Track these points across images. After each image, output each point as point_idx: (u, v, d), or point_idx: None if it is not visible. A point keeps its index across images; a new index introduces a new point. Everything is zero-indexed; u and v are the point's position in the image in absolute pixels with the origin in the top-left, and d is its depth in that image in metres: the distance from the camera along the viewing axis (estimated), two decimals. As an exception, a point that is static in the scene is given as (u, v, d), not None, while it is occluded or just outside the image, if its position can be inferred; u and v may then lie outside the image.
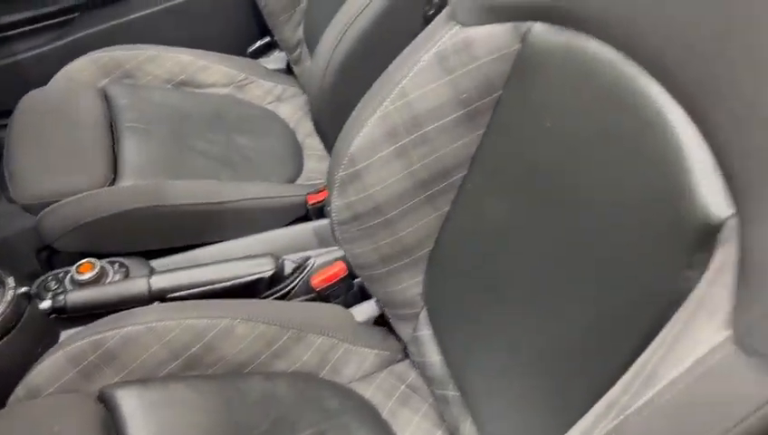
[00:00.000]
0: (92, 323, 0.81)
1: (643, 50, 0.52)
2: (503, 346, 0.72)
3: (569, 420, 0.55)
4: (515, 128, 0.67)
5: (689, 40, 0.47)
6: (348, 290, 0.92)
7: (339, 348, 0.88)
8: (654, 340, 0.46)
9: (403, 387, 0.88)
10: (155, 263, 1.01)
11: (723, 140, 0.45)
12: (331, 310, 0.92)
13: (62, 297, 0.86)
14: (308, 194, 1.06)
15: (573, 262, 0.60)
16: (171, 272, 0.90)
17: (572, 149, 0.59)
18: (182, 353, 0.82)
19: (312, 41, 1.25)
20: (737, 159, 0.43)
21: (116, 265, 0.95)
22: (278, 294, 0.92)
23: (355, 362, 0.89)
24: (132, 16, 1.38)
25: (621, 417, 0.47)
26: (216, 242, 1.04)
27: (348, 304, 0.93)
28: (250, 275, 0.90)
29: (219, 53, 1.37)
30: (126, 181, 1.07)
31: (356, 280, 0.93)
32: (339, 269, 0.91)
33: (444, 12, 0.71)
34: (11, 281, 0.84)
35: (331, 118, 0.92)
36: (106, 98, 1.24)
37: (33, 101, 1.23)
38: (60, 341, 0.86)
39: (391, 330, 0.90)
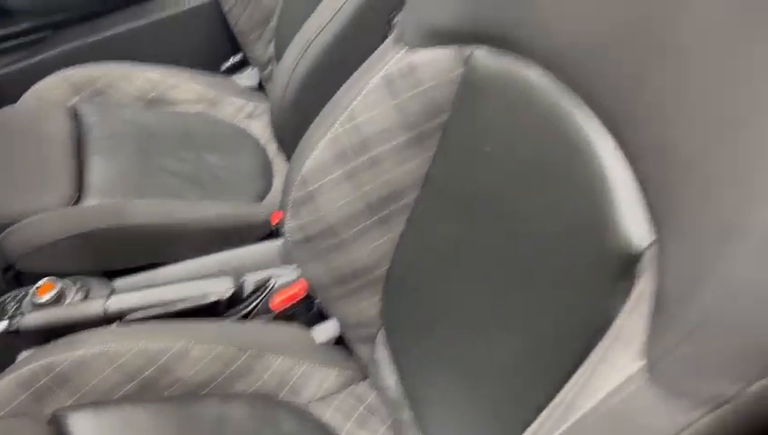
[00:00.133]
0: (46, 346, 0.81)
1: (576, 78, 0.52)
2: (452, 369, 0.71)
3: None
4: (460, 151, 0.67)
5: (616, 69, 0.47)
6: (309, 310, 0.92)
7: (298, 369, 0.88)
8: (578, 369, 0.46)
9: (362, 408, 0.87)
10: (118, 282, 1.00)
11: (645, 170, 0.45)
12: (292, 330, 0.91)
13: (16, 319, 0.85)
14: (272, 213, 1.06)
15: (512, 285, 0.60)
16: (129, 293, 0.90)
17: (510, 175, 0.59)
18: (136, 376, 0.82)
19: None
20: (657, 189, 0.43)
21: (77, 285, 0.94)
22: (238, 315, 0.92)
23: (315, 383, 0.88)
24: (104, 35, 1.38)
25: None
26: (181, 261, 1.04)
27: (310, 324, 0.93)
28: (209, 296, 0.89)
29: (191, 71, 1.37)
30: (91, 201, 1.07)
31: (317, 300, 0.93)
32: (299, 289, 0.91)
33: (391, 35, 0.71)
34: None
35: (293, 135, 0.92)
36: (76, 116, 1.24)
37: (2, 119, 1.23)
38: (16, 361, 0.86)
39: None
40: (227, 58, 1.45)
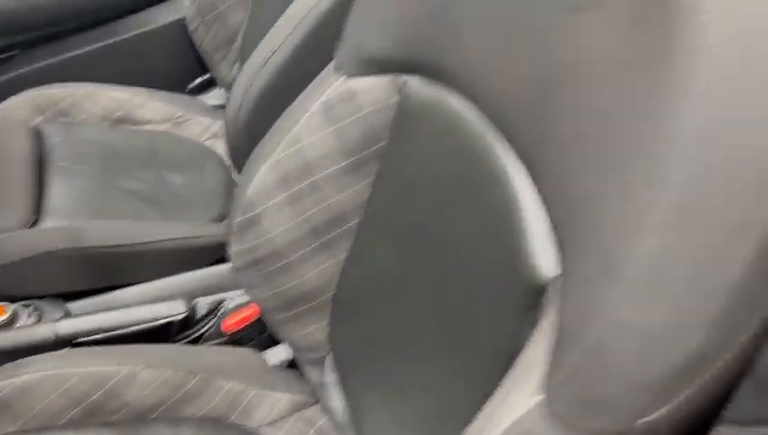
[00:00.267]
0: (-10, 371, 0.81)
1: (494, 111, 0.53)
2: (393, 394, 0.71)
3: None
4: (396, 179, 0.68)
5: (526, 105, 0.48)
6: (261, 333, 0.92)
7: (249, 392, 0.88)
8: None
9: (312, 432, 0.87)
10: (73, 305, 1.00)
11: (552, 203, 0.45)
12: (243, 353, 0.91)
13: (-37, 344, 0.85)
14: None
15: (440, 311, 0.60)
16: (80, 317, 0.90)
17: (437, 204, 0.59)
18: (83, 400, 0.81)
19: (247, 79, 1.26)
20: (561, 223, 0.43)
21: (29, 309, 0.94)
22: (190, 338, 0.92)
23: (266, 407, 0.88)
24: (71, 54, 1.38)
25: None
26: (138, 283, 1.03)
27: (262, 347, 0.93)
28: (160, 319, 0.89)
29: (157, 90, 1.37)
30: (48, 222, 1.06)
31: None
32: (251, 312, 0.91)
33: (332, 63, 0.72)
34: None
35: (246, 156, 0.93)
36: (39, 136, 1.24)
37: (-36, 139, 1.23)
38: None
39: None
40: (195, 78, 1.46)
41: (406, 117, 0.65)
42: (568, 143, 0.41)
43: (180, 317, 0.90)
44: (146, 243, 1.04)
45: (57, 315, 0.95)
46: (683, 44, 0.33)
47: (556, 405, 0.39)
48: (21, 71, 1.38)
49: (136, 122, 1.35)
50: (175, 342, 0.92)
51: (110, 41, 1.39)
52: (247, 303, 0.93)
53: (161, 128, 1.36)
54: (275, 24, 0.96)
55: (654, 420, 0.36)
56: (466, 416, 0.54)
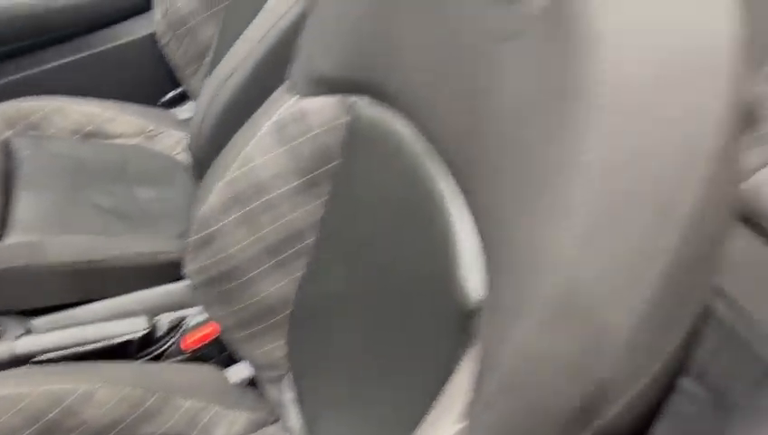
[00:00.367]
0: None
1: (431, 133, 0.53)
2: (350, 412, 0.71)
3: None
4: (348, 198, 0.68)
5: (460, 130, 0.48)
6: (222, 350, 0.92)
7: (208, 411, 0.87)
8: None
9: (271, 450, 0.87)
10: (35, 322, 0.99)
11: (483, 228, 0.45)
12: (204, 371, 0.90)
13: None
14: (195, 250, 1.05)
15: (386, 331, 0.60)
16: (40, 334, 0.89)
17: (382, 225, 0.60)
18: (39, 419, 0.80)
19: (218, 93, 1.26)
20: (489, 248, 0.43)
21: (-10, 326, 0.93)
22: (151, 356, 0.91)
23: (225, 425, 0.87)
24: (43, 68, 1.38)
25: None
26: (103, 299, 1.03)
27: (224, 364, 0.92)
28: (121, 336, 0.89)
29: (129, 104, 1.37)
30: (13, 238, 1.05)
31: (232, 340, 0.93)
32: (211, 330, 0.91)
33: (285, 83, 0.72)
34: None
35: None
36: (8, 150, 1.23)
37: (-68, 153, 1.22)
38: None
39: (265, 391, 0.90)
40: (168, 91, 1.46)
41: (356, 137, 0.65)
42: (493, 171, 0.41)
43: (141, 334, 0.89)
44: (110, 259, 1.03)
45: (18, 332, 0.94)
46: (587, 79, 0.33)
47: (477, 433, 0.39)
48: (-10, 85, 1.38)
49: (107, 136, 1.35)
50: (136, 359, 0.91)
51: (83, 54, 1.39)
52: (208, 320, 0.92)
53: (133, 142, 1.36)
54: (239, 40, 0.96)
55: (568, 450, 0.36)
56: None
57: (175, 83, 1.45)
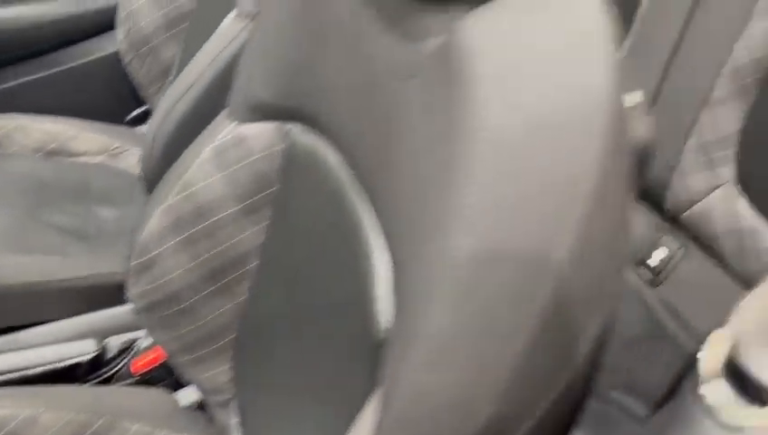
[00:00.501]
0: None
1: (356, 162, 0.53)
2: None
3: None
4: (285, 223, 0.68)
5: (375, 158, 0.48)
6: (171, 373, 0.91)
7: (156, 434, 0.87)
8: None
9: (218, 475, 0.86)
10: (-14, 344, 0.98)
11: (394, 262, 0.45)
12: (153, 394, 0.90)
13: None
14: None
15: (318, 361, 0.60)
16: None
17: (314, 250, 0.60)
18: (-20, 446, 0.80)
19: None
20: (396, 281, 0.43)
21: (-63, 349, 0.92)
22: (99, 379, 0.90)
23: (173, 449, 0.87)
24: (7, 86, 1.38)
25: None
26: (54, 320, 1.02)
27: (175, 387, 0.91)
28: (68, 360, 0.88)
29: (93, 122, 1.36)
30: (-34, 257, 1.05)
31: (182, 363, 0.92)
32: (161, 353, 0.90)
33: (225, 109, 0.72)
34: None
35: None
36: (-32, 168, 1.23)
37: None
38: None
39: (216, 414, 0.89)
40: (134, 109, 1.45)
41: (292, 164, 0.66)
42: (399, 207, 0.42)
43: (89, 357, 0.89)
44: (65, 279, 1.03)
45: (-35, 355, 0.93)
46: (466, 125, 0.34)
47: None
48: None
49: (70, 154, 1.34)
50: (84, 382, 0.91)
51: (48, 72, 1.39)
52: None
53: (97, 159, 1.35)
54: (191, 62, 0.96)
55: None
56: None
57: (140, 101, 1.44)
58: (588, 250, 0.33)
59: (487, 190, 0.33)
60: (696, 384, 0.41)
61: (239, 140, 0.69)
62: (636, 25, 1.05)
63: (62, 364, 0.87)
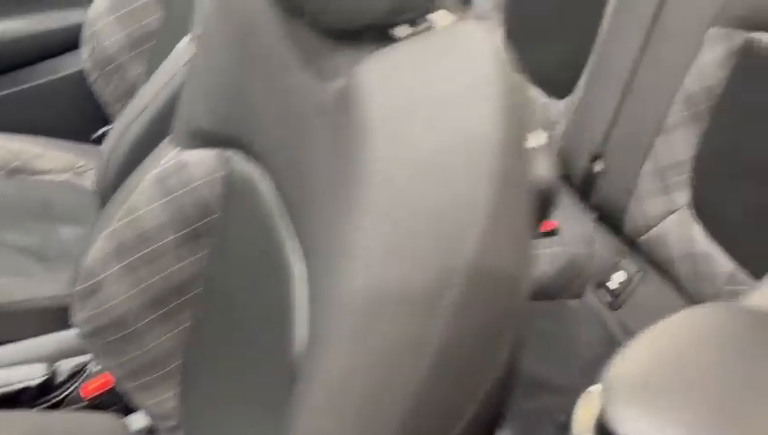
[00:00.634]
0: None
1: (285, 189, 0.53)
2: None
3: None
4: (225, 250, 0.68)
5: (300, 189, 0.48)
6: (122, 398, 0.90)
7: (105, 460, 0.86)
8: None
9: (166, 502, 0.85)
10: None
11: (311, 289, 0.45)
12: (103, 419, 0.88)
13: None
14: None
15: (256, 386, 0.60)
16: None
17: (249, 277, 0.60)
18: None
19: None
20: (313, 308, 0.43)
21: None
22: (49, 403, 0.89)
23: (122, 475, 0.86)
24: (-31, 104, 1.37)
25: None
26: (9, 342, 1.01)
27: (126, 412, 0.90)
28: (15, 384, 0.87)
29: (58, 140, 1.36)
30: None
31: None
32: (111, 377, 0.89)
33: (169, 136, 0.72)
34: None
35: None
36: (-72, 187, 1.22)
37: None
38: None
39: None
40: (100, 127, 1.45)
41: (231, 191, 0.65)
42: (317, 239, 0.42)
43: (37, 381, 0.87)
44: (20, 301, 1.02)
45: None
46: (358, 170, 0.34)
47: None
48: None
49: (34, 172, 1.33)
50: (33, 407, 0.89)
51: (13, 90, 1.38)
52: (108, 367, 0.91)
53: (62, 177, 1.35)
54: (147, 83, 0.96)
55: None
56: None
57: (106, 120, 1.44)
58: (480, 288, 0.32)
59: (378, 234, 0.33)
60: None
61: (181, 167, 0.68)
62: (594, 55, 1.06)
63: (10, 389, 0.86)
